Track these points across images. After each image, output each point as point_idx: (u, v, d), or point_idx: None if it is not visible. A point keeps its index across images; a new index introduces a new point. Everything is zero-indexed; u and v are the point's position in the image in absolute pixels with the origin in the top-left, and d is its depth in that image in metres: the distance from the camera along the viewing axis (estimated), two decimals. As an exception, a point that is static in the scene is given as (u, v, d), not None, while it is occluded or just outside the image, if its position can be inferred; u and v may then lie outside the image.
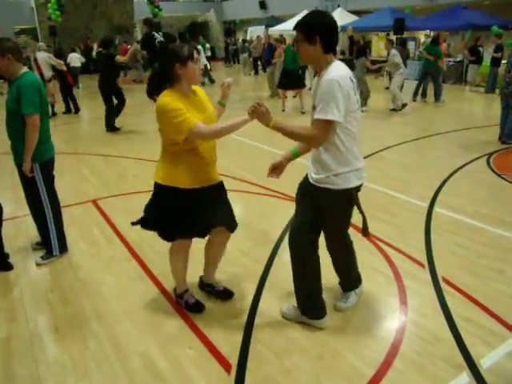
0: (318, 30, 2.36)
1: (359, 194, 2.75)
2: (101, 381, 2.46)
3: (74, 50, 16.80)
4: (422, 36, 20.25)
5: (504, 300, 3.10)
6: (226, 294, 3.18)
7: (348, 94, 2.33)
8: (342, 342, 2.71)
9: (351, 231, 2.97)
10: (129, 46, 20.56)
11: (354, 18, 20.06)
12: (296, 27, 2.43)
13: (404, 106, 10.51)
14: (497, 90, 11.54)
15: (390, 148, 7.29)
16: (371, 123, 9.60)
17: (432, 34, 17.95)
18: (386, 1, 18.92)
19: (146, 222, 2.96)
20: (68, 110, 11.10)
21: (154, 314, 3.02)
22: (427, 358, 2.56)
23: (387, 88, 12.16)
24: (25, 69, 3.44)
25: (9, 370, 2.55)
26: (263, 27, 24.84)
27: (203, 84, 13.84)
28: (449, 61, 16.29)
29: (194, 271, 3.27)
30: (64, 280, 3.49)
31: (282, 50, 11.75)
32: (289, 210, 4.21)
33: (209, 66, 14.90)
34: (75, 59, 15.76)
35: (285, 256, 3.65)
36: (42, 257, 3.75)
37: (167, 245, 3.94)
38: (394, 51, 10.38)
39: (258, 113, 2.40)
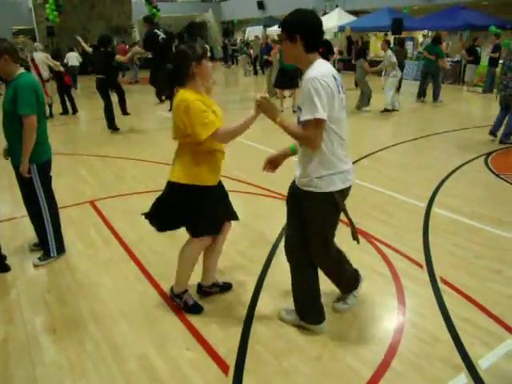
0: (298, 28, 2.32)
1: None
2: (98, 382, 2.45)
3: (72, 50, 16.78)
4: (420, 36, 20.28)
5: (502, 300, 3.10)
6: (227, 286, 3.30)
7: (331, 92, 2.27)
8: (340, 343, 2.71)
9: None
10: (127, 47, 20.57)
11: (352, 18, 20.09)
12: (279, 26, 2.43)
13: (386, 110, 10.37)
14: (494, 91, 11.53)
15: (388, 148, 7.29)
16: (369, 123, 9.61)
17: (430, 34, 18.00)
18: (384, 1, 18.94)
19: (160, 222, 2.95)
20: (65, 111, 11.07)
21: (152, 316, 3.01)
22: (425, 358, 2.56)
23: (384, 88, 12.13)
24: (21, 70, 3.42)
25: (6, 372, 2.54)
26: (261, 27, 24.86)
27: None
28: (447, 61, 16.31)
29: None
30: (61, 281, 3.48)
31: (277, 49, 11.76)
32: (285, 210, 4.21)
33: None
34: (73, 58, 15.74)
35: (282, 256, 3.63)
36: (39, 258, 3.73)
37: (165, 246, 3.95)
38: (389, 52, 10.36)
39: (264, 106, 2.40)
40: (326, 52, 11.18)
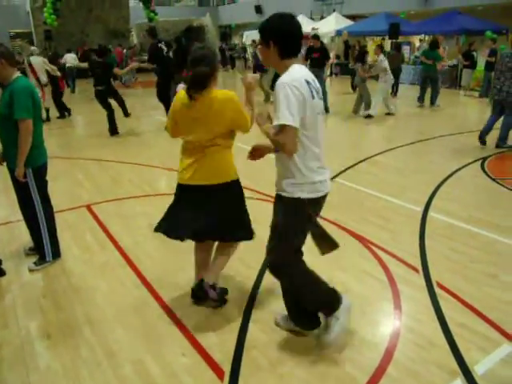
0: (271, 34, 2.29)
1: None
2: (93, 388, 2.44)
3: (69, 51, 16.79)
4: (417, 41, 20.38)
5: (498, 305, 3.10)
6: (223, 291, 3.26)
7: (303, 98, 2.20)
8: (336, 348, 2.69)
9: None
10: (125, 50, 20.59)
11: (349, 22, 20.18)
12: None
13: (369, 116, 10.29)
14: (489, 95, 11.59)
15: (384, 152, 7.30)
16: (366, 127, 9.64)
17: (427, 38, 18.08)
18: (381, 5, 19.05)
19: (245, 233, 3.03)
20: (62, 115, 11.04)
21: (147, 321, 3.00)
22: (421, 364, 2.55)
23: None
24: (18, 73, 3.42)
25: (-1, 378, 2.53)
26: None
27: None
28: (443, 65, 16.38)
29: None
30: (57, 286, 3.46)
31: None
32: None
33: None
34: (71, 60, 15.75)
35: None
36: (34, 262, 3.72)
37: (161, 251, 3.95)
38: (381, 57, 10.35)
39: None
40: (323, 56, 11.29)
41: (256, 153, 2.64)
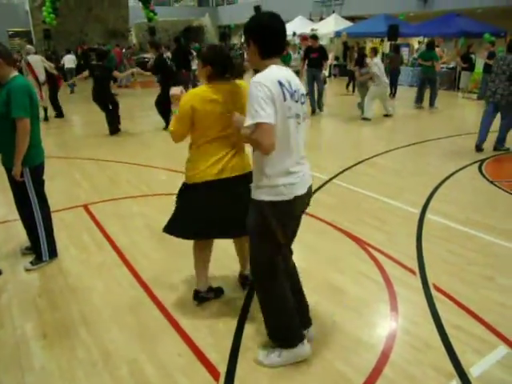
0: (250, 32, 2.27)
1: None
2: (88, 389, 2.43)
3: (69, 52, 16.79)
4: (416, 42, 20.42)
5: (494, 307, 3.11)
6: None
7: (272, 97, 2.14)
8: (332, 350, 2.70)
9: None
10: (124, 50, 20.57)
11: (348, 23, 20.23)
12: None
13: (365, 119, 10.26)
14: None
15: (382, 154, 7.30)
16: (364, 129, 9.64)
17: (425, 40, 18.11)
18: (380, 7, 19.09)
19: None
20: (60, 114, 11.02)
21: (143, 321, 3.00)
22: (417, 366, 2.55)
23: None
24: (15, 72, 3.41)
25: (-6, 378, 2.52)
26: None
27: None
28: (442, 67, 16.41)
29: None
30: (53, 286, 3.45)
31: None
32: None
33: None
34: (69, 61, 15.75)
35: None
36: (31, 262, 3.71)
37: (157, 251, 3.95)
38: (374, 60, 10.19)
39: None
40: (321, 56, 11.29)
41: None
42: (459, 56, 14.69)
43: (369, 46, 20.41)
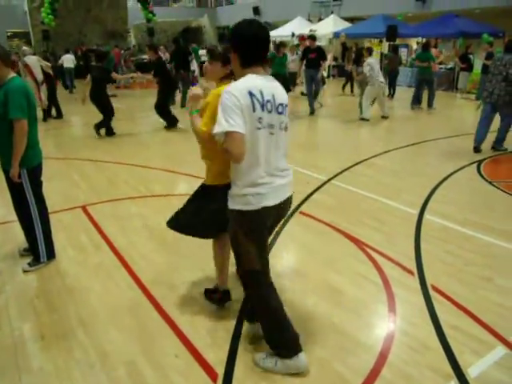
0: (231, 41, 2.27)
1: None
2: (85, 390, 2.43)
3: (67, 51, 16.75)
4: (414, 43, 20.43)
5: (492, 308, 3.11)
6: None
7: (241, 107, 2.13)
8: (330, 350, 2.69)
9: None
10: (122, 51, 20.57)
11: (347, 24, 20.23)
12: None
13: (363, 119, 10.29)
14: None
15: (381, 154, 7.31)
16: (363, 130, 9.65)
17: (424, 41, 18.13)
18: (378, 8, 19.09)
19: None
20: (59, 115, 11.01)
21: (141, 322, 2.99)
22: (415, 367, 2.55)
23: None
24: (12, 74, 3.41)
25: (-9, 380, 2.51)
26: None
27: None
28: (440, 68, 16.43)
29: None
30: (51, 287, 3.45)
31: None
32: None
33: (196, 73, 14.99)
34: (68, 60, 15.71)
35: (275, 264, 3.63)
36: (29, 263, 3.70)
37: (155, 252, 3.94)
38: (368, 61, 10.15)
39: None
40: (319, 58, 11.29)
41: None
42: (457, 56, 14.71)
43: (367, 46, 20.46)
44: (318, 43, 11.23)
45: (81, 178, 6.17)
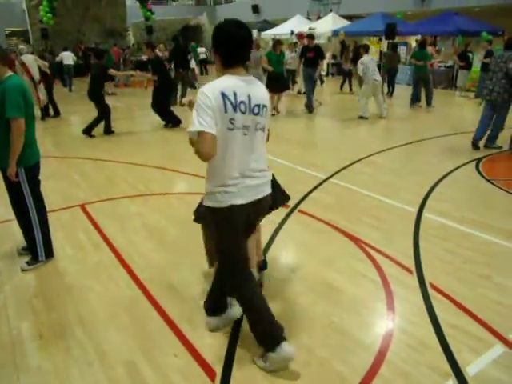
0: (213, 42, 2.30)
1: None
2: (84, 389, 2.43)
3: (66, 49, 16.70)
4: (414, 41, 20.41)
5: (491, 306, 3.11)
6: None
7: (212, 108, 2.15)
8: (329, 349, 2.69)
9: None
10: (122, 51, 20.52)
11: (346, 22, 20.20)
12: None
13: (362, 117, 10.28)
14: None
15: (379, 153, 7.30)
16: (361, 128, 9.64)
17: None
18: (377, 6, 19.07)
19: None
20: (56, 113, 10.99)
21: (140, 321, 2.99)
22: (414, 365, 2.55)
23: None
24: (10, 72, 3.40)
25: (-10, 379, 2.51)
26: (256, 31, 24.92)
27: (194, 87, 13.83)
28: (440, 66, 16.43)
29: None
30: (49, 286, 3.44)
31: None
32: (277, 216, 4.20)
33: (196, 71, 14.98)
34: (68, 57, 15.65)
35: (273, 262, 3.64)
36: (27, 262, 3.70)
37: (154, 250, 3.94)
38: (361, 60, 10.14)
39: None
40: (317, 56, 11.30)
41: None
42: (456, 54, 14.69)
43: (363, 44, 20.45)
44: (316, 41, 11.23)
45: (80, 177, 6.17)
